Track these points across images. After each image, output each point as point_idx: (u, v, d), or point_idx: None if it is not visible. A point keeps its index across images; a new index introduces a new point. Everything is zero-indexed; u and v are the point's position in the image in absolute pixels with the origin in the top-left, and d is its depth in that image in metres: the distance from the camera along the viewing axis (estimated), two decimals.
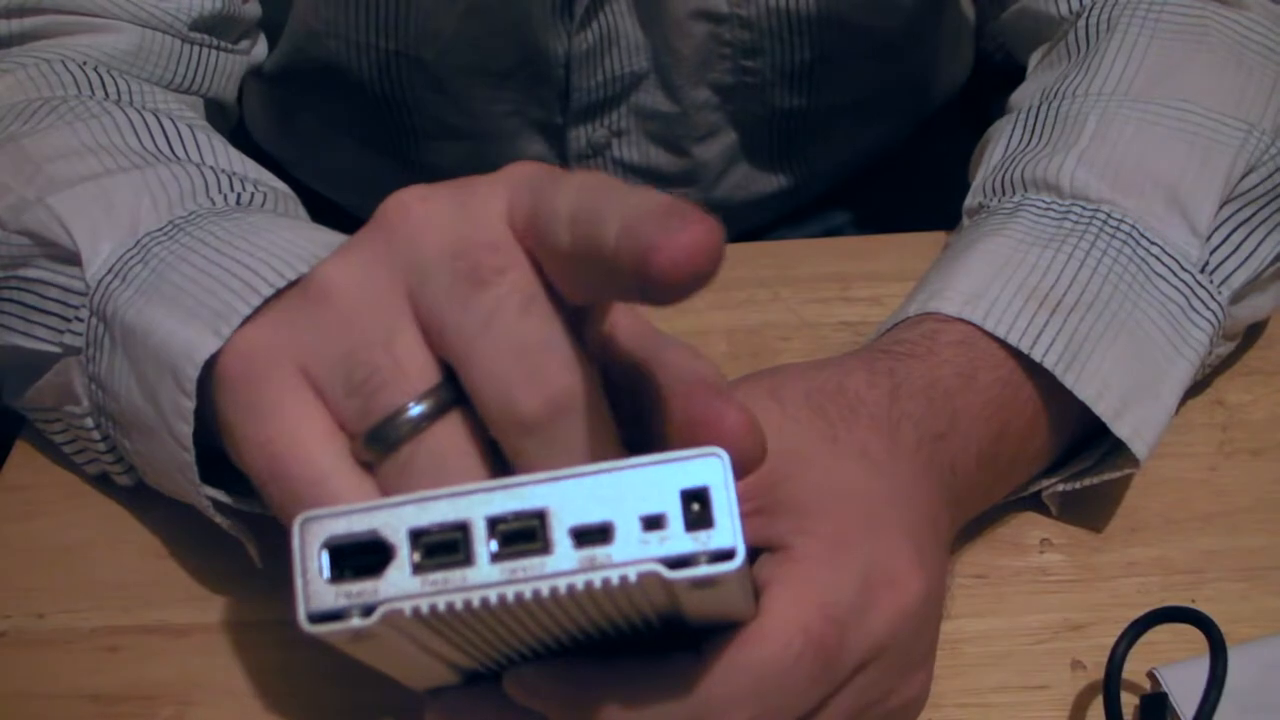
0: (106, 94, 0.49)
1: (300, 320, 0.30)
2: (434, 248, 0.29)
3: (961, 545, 0.45)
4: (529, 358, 0.27)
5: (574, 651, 0.30)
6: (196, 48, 0.55)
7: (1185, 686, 0.38)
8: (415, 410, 0.28)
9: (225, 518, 0.41)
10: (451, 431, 0.29)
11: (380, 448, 0.29)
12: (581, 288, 0.28)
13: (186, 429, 0.38)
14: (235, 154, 0.48)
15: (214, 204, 0.43)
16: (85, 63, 0.51)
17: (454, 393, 0.29)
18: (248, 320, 0.35)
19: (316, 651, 0.38)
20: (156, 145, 0.46)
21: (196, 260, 0.39)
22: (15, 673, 0.43)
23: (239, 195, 0.44)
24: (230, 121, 0.60)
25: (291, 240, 0.39)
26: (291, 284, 0.36)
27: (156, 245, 0.41)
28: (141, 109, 0.48)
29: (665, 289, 0.25)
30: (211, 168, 0.45)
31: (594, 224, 0.26)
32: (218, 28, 0.56)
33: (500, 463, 0.29)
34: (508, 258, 0.28)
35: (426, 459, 0.28)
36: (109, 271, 0.41)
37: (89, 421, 0.44)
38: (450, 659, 0.29)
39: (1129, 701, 0.40)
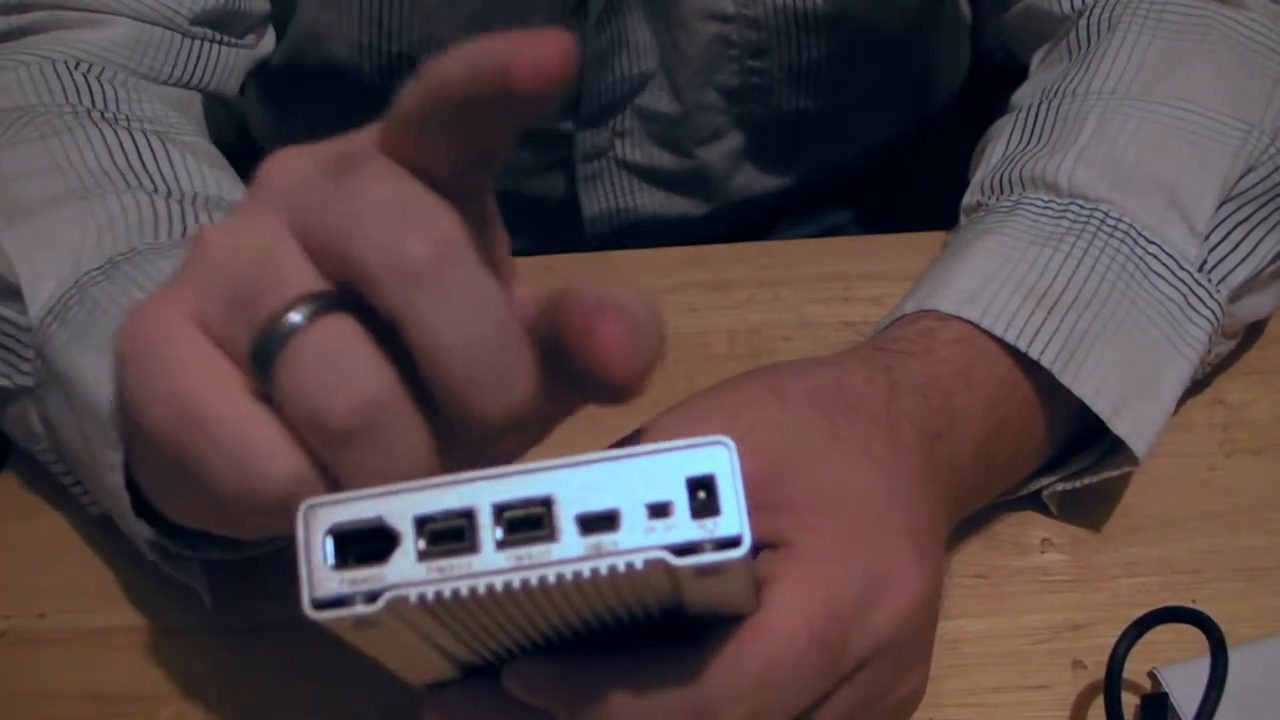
0: (93, 102, 0.50)
1: (187, 279, 0.29)
2: (302, 172, 0.28)
3: (962, 545, 0.45)
4: (409, 210, 0.26)
5: (574, 645, 0.30)
6: (197, 42, 0.55)
7: (1186, 686, 0.38)
8: (295, 314, 0.27)
9: (168, 561, 0.41)
10: (339, 325, 0.27)
11: (265, 359, 0.27)
12: (448, 148, 0.28)
13: (118, 480, 0.37)
14: (207, 169, 0.48)
15: (157, 239, 0.43)
16: (78, 63, 0.51)
17: (339, 298, 0.27)
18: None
19: (316, 652, 0.38)
20: (129, 163, 0.46)
21: (126, 304, 0.39)
22: (15, 673, 0.43)
23: (186, 227, 0.44)
24: (233, 116, 0.60)
25: None
26: None
27: (94, 285, 0.41)
28: (119, 123, 0.48)
29: (531, 94, 0.25)
30: (167, 195, 0.45)
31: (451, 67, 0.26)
32: (220, 22, 0.56)
33: (402, 365, 0.27)
34: (374, 152, 0.28)
35: (315, 352, 0.27)
36: (48, 312, 0.41)
37: (52, 457, 0.44)
38: (450, 650, 0.29)
39: (1129, 701, 0.40)
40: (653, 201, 0.72)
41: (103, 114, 0.49)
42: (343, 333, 0.27)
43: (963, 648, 0.42)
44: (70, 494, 0.48)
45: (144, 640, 0.44)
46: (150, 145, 0.48)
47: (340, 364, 0.27)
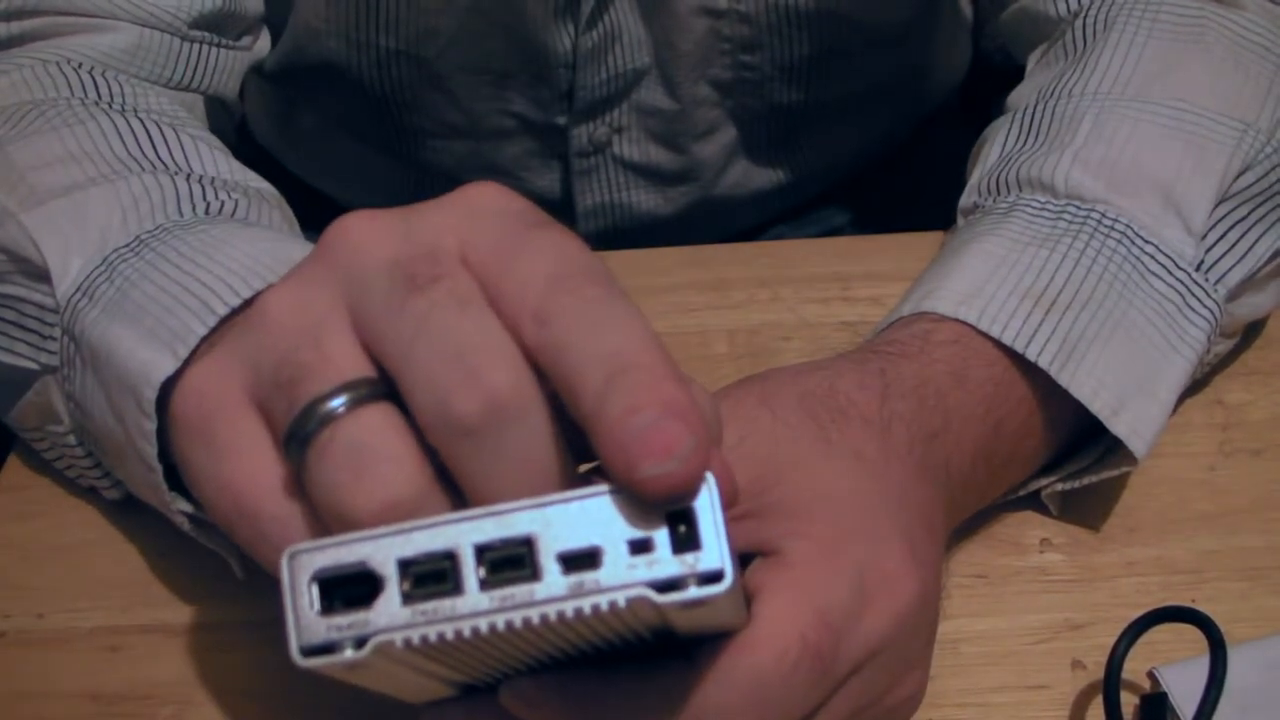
0: (99, 96, 0.50)
1: (243, 347, 0.30)
2: (371, 260, 0.28)
3: (961, 545, 0.45)
4: (465, 358, 0.26)
5: (568, 663, 0.30)
6: (196, 45, 0.55)
7: (1185, 686, 0.38)
8: (333, 402, 0.27)
9: (202, 531, 0.41)
10: (377, 418, 0.27)
11: (300, 445, 0.27)
12: None
13: (150, 449, 0.38)
14: (219, 155, 0.48)
15: (182, 216, 0.43)
16: (81, 64, 0.51)
17: (386, 389, 0.27)
18: (199, 351, 0.35)
19: None
20: (141, 150, 0.47)
21: (158, 278, 0.39)
22: (15, 673, 0.43)
23: (208, 205, 0.44)
24: (233, 118, 0.60)
25: (250, 255, 0.39)
26: (248, 301, 0.37)
27: (122, 263, 0.41)
28: (129, 113, 0.48)
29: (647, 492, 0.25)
30: (188, 175, 0.46)
31: (569, 362, 0.26)
32: (219, 25, 0.56)
33: (437, 462, 0.27)
34: (445, 267, 0.27)
35: (344, 446, 0.26)
36: (77, 290, 0.41)
37: (72, 439, 0.44)
38: (445, 677, 0.29)
39: (1129, 701, 0.40)
40: (647, 199, 0.72)
41: (110, 105, 0.49)
42: (377, 427, 0.27)
43: (962, 647, 0.42)
44: (77, 488, 0.48)
45: (143, 640, 0.44)
46: (163, 133, 0.48)
47: (368, 461, 0.26)
